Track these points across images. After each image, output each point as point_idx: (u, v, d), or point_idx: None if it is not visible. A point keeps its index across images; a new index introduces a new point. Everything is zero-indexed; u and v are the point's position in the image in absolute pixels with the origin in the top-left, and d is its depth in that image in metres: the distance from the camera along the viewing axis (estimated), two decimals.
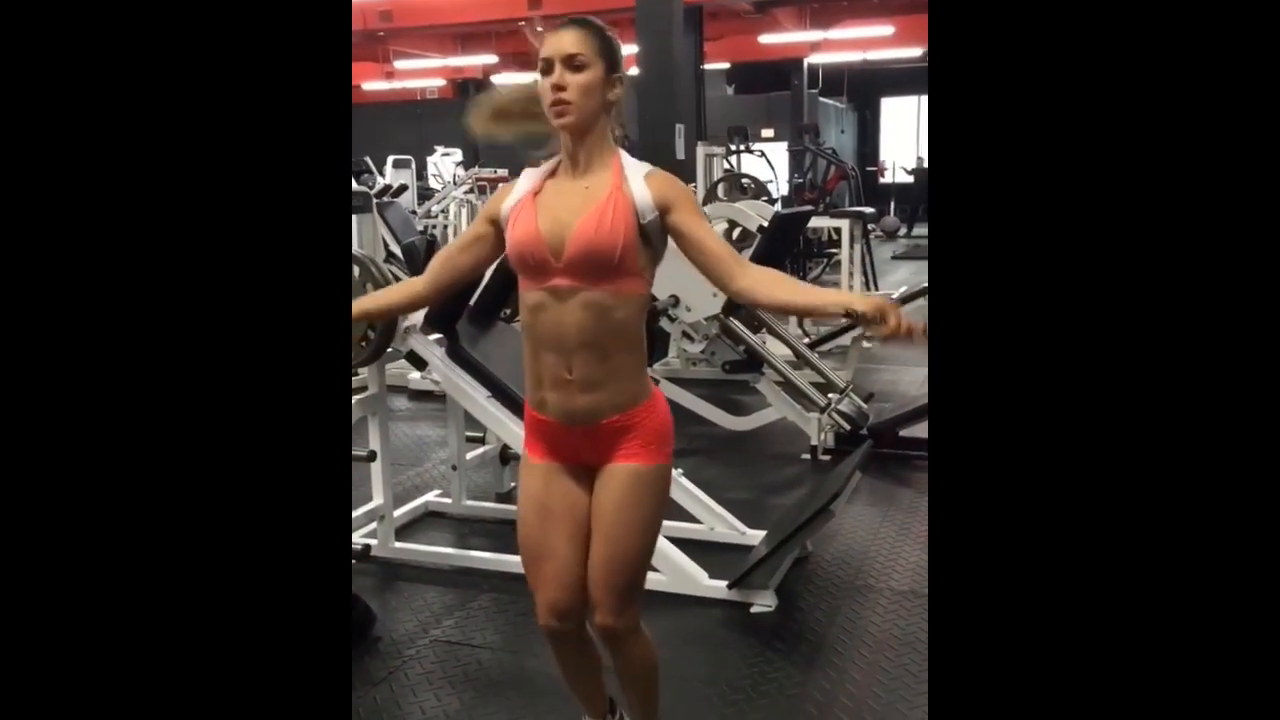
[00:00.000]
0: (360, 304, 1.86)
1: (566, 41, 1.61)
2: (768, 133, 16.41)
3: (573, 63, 1.61)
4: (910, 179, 17.29)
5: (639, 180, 1.65)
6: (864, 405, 4.69)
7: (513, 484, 4.06)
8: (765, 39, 14.76)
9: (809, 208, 6.77)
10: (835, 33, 14.80)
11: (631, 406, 1.69)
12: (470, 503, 3.79)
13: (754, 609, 2.86)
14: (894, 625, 2.77)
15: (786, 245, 5.75)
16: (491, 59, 16.12)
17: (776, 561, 2.93)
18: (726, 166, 8.74)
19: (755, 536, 3.30)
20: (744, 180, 7.94)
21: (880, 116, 21.93)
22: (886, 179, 18.70)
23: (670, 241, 1.69)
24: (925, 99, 20.60)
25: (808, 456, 4.41)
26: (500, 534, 3.56)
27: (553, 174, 1.71)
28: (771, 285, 1.64)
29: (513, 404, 3.15)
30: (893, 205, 17.38)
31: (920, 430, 4.41)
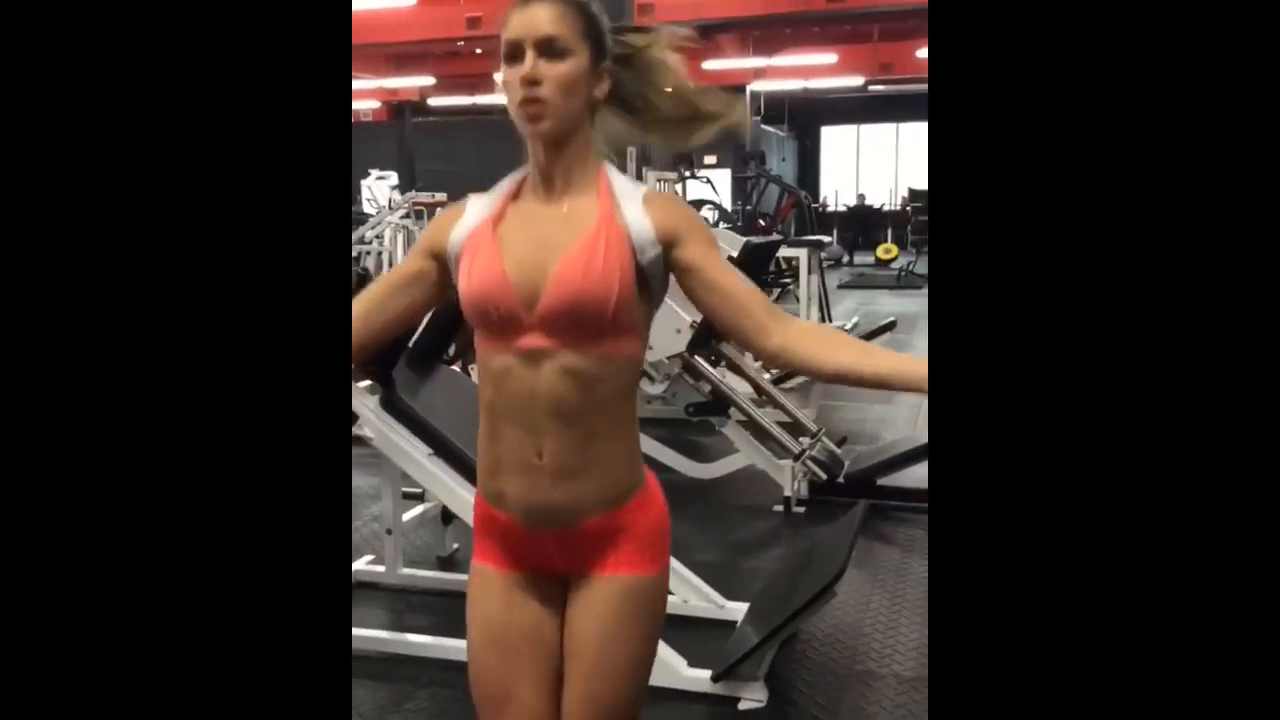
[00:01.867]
0: None
1: (540, 19, 1.19)
2: (710, 159, 16.29)
3: (549, 48, 1.18)
4: (844, 209, 17.32)
5: (635, 205, 1.23)
6: (837, 450, 4.37)
7: (455, 546, 3.61)
8: (708, 65, 14.60)
9: (778, 237, 6.52)
10: (778, 60, 14.73)
11: (621, 502, 1.27)
12: (407, 571, 3.33)
13: (743, 704, 2.47)
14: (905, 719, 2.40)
15: (756, 276, 5.44)
16: (428, 80, 15.72)
17: (768, 647, 2.54)
18: (677, 194, 8.46)
19: (734, 609, 2.90)
20: (709, 207, 7.65)
21: (820, 145, 22.01)
22: (830, 208, 18.69)
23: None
24: (864, 128, 20.79)
25: (780, 508, 4.04)
26: (442, 608, 3.11)
27: (517, 195, 1.28)
28: (820, 345, 1.21)
29: (459, 463, 2.72)
30: (835, 233, 17.36)
31: (901, 479, 4.09)
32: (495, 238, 1.24)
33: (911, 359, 1.17)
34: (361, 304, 1.32)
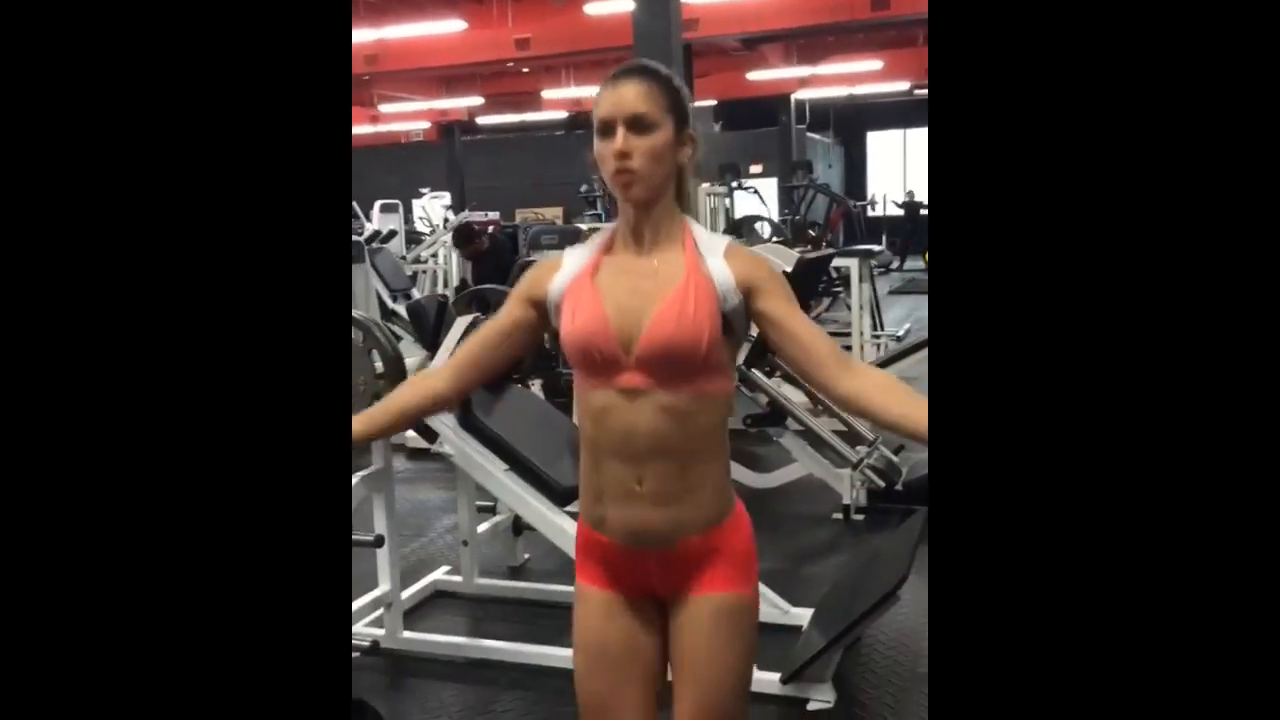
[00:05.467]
0: (369, 419, 1.51)
1: (630, 98, 1.31)
2: (756, 169, 16.34)
3: (638, 123, 1.31)
4: (900, 212, 17.19)
5: (717, 258, 1.35)
6: (895, 458, 4.43)
7: (526, 556, 3.76)
8: (753, 75, 14.69)
9: (831, 250, 6.57)
10: (823, 68, 14.76)
11: (714, 524, 1.38)
12: (482, 580, 3.48)
13: (811, 705, 2.57)
14: None
15: (808, 291, 5.51)
16: (477, 100, 16.01)
17: (834, 651, 2.64)
18: (727, 206, 8.55)
19: (799, 615, 3.00)
20: (759, 223, 7.74)
21: (867, 150, 21.93)
22: (876, 212, 18.62)
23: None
24: (910, 132, 20.67)
25: (839, 516, 4.13)
26: (518, 616, 3.25)
27: (609, 249, 1.41)
28: (885, 394, 1.30)
29: (532, 476, 2.87)
30: (884, 238, 17.28)
31: None
32: (595, 287, 1.36)
33: None
34: (472, 348, 1.47)
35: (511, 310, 1.45)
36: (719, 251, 1.36)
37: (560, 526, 2.83)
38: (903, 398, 1.30)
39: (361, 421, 1.51)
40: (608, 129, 1.32)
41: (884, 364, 5.22)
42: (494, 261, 7.63)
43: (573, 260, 1.41)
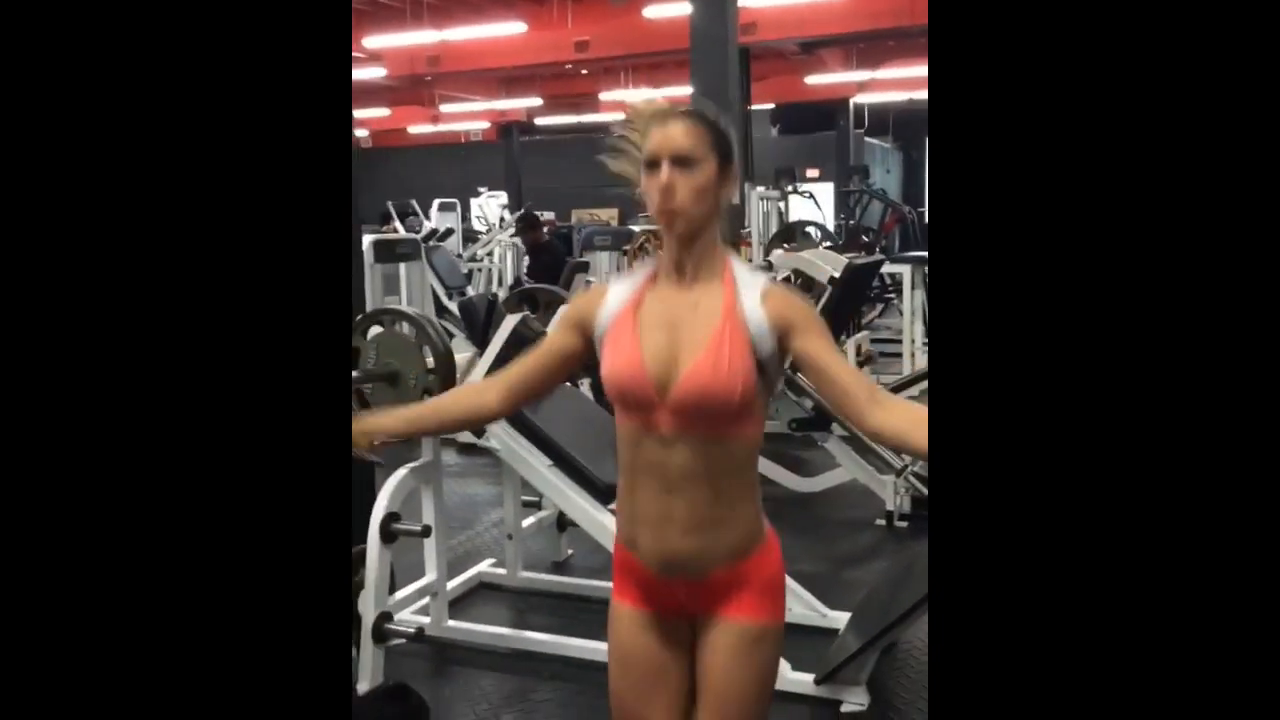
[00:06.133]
0: (415, 417, 1.58)
1: (676, 136, 1.36)
2: (813, 173, 16.23)
3: (683, 161, 1.36)
4: None
5: (754, 300, 1.38)
6: None
7: (570, 551, 3.83)
8: (811, 79, 14.61)
9: (880, 257, 6.53)
10: (882, 73, 14.62)
11: (744, 556, 1.42)
12: (526, 574, 3.56)
13: (845, 707, 2.59)
14: None
15: (858, 297, 5.50)
16: (536, 101, 16.17)
17: (869, 654, 2.66)
18: (780, 209, 8.53)
19: (837, 619, 3.02)
20: (809, 228, 7.73)
21: (926, 156, 21.67)
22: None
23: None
24: None
25: (882, 522, 4.13)
26: (559, 610, 3.32)
27: (653, 280, 1.45)
28: (912, 428, 1.32)
29: (576, 473, 2.93)
30: None
31: None
32: (635, 324, 1.41)
33: None
34: (525, 372, 1.54)
35: (560, 338, 1.51)
36: (756, 291, 1.39)
37: (601, 523, 2.89)
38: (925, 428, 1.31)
39: (404, 419, 1.60)
40: (654, 165, 1.37)
41: (914, 380, 5.19)
42: (549, 258, 7.76)
43: (618, 293, 1.46)
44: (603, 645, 2.87)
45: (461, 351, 3.12)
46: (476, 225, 13.04)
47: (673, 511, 1.39)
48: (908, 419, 1.34)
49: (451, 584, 3.30)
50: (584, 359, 1.51)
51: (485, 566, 3.63)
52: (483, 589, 3.55)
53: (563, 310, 1.55)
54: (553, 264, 7.47)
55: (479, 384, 1.68)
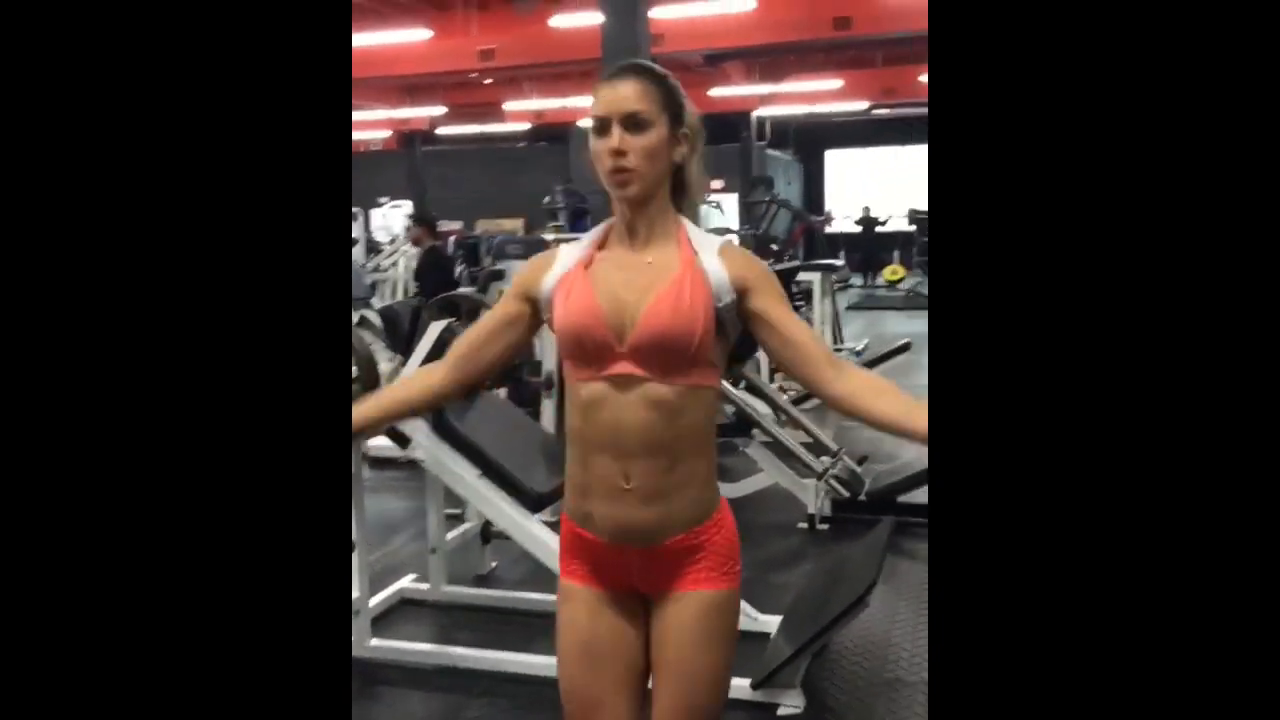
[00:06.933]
0: (368, 410, 1.50)
1: (625, 96, 1.32)
2: (717, 184, 16.44)
3: (633, 122, 1.32)
4: (858, 229, 17.39)
5: (712, 256, 1.36)
6: (858, 468, 4.49)
7: (494, 564, 3.74)
8: (715, 92, 14.81)
9: (797, 263, 6.65)
10: (784, 86, 14.93)
11: (700, 521, 1.39)
12: (450, 588, 3.46)
13: (782, 710, 2.59)
14: None
15: None
16: (439, 110, 15.94)
17: (803, 657, 2.67)
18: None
19: (768, 622, 3.02)
20: (727, 235, 7.78)
21: (824, 168, 22.19)
22: (833, 229, 18.84)
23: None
24: (868, 151, 20.97)
25: (805, 525, 4.17)
26: (485, 625, 3.23)
27: (602, 245, 1.42)
28: (876, 397, 1.32)
29: (505, 483, 2.86)
30: (842, 255, 17.49)
31: (921, 496, 4.21)
32: (588, 277, 1.37)
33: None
34: (470, 343, 1.48)
35: (506, 306, 1.46)
36: (714, 250, 1.37)
37: (532, 532, 2.83)
38: (894, 399, 1.32)
39: (378, 409, 1.53)
40: (604, 127, 1.33)
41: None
42: (438, 276, 7.26)
43: (566, 256, 1.42)
44: (532, 658, 2.84)
45: (381, 363, 3.03)
46: (378, 236, 12.77)
47: (629, 480, 1.34)
48: (873, 388, 1.34)
49: (373, 601, 3.18)
50: (530, 327, 1.46)
51: (407, 582, 3.52)
52: (405, 605, 3.43)
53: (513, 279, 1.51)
54: (442, 282, 6.98)
55: (423, 369, 1.61)
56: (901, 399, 1.32)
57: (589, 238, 1.44)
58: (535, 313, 1.45)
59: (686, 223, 1.41)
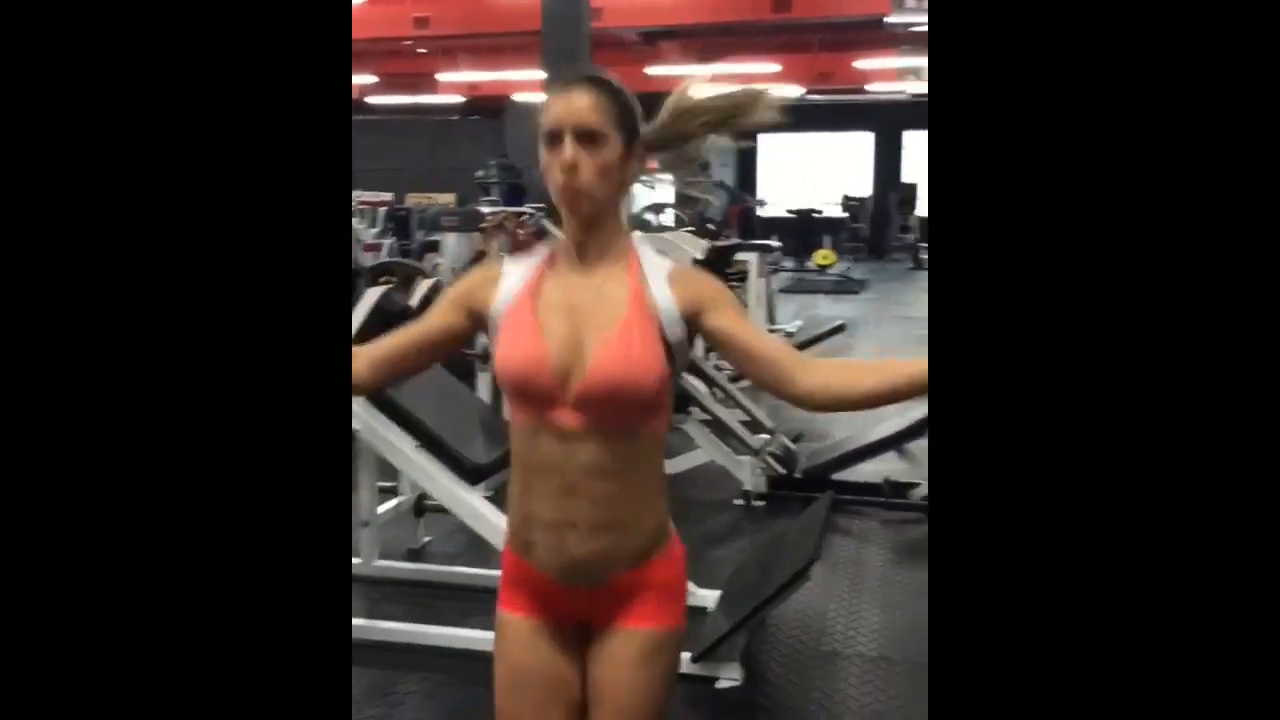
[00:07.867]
0: None
1: (580, 108, 1.24)
2: (652, 165, 16.39)
3: (589, 137, 1.24)
4: (792, 215, 17.53)
5: (661, 283, 1.29)
6: (793, 446, 4.53)
7: (427, 539, 3.67)
8: (651, 70, 14.74)
9: (737, 241, 6.67)
10: (720, 67, 14.93)
11: (648, 556, 1.32)
12: (382, 562, 3.38)
13: (720, 683, 2.59)
14: (872, 696, 2.55)
15: (717, 276, 5.60)
16: (370, 79, 15.57)
17: (742, 632, 2.67)
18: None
19: (706, 596, 3.02)
20: (666, 210, 7.78)
21: (758, 152, 22.32)
22: (766, 213, 18.98)
23: None
24: (803, 136, 21.15)
25: (741, 502, 4.19)
26: (419, 598, 3.18)
27: (550, 263, 1.33)
28: (843, 378, 1.27)
29: (444, 454, 2.80)
30: (774, 239, 17.60)
31: (855, 474, 4.27)
32: (534, 311, 1.29)
33: (904, 363, 1.25)
34: (398, 347, 1.37)
35: (445, 318, 1.37)
36: (663, 276, 1.30)
37: (472, 506, 2.78)
38: (863, 373, 1.29)
39: None
40: (555, 139, 1.25)
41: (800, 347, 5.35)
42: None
43: (514, 275, 1.33)
44: (467, 633, 2.80)
45: None
46: None
47: (574, 514, 1.28)
48: (838, 372, 1.30)
49: None
50: (465, 340, 1.40)
51: None
52: None
53: (450, 289, 1.42)
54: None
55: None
56: (877, 367, 1.29)
57: (534, 258, 1.35)
58: (475, 327, 1.37)
59: (638, 244, 1.34)
